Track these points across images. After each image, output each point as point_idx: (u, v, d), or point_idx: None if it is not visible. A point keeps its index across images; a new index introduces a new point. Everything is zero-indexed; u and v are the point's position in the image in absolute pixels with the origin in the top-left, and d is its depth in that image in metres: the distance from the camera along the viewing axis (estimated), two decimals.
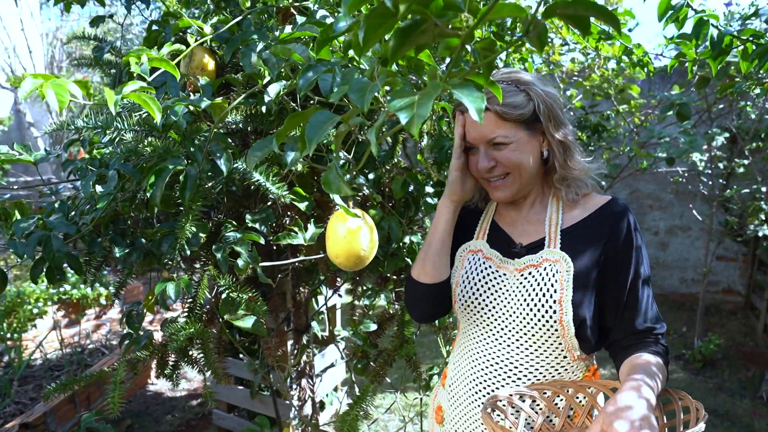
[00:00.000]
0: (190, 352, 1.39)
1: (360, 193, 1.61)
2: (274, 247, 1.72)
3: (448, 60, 1.42)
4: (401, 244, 1.58)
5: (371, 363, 1.62)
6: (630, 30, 3.89)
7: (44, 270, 1.15)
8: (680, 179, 4.78)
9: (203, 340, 1.35)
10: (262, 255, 1.79)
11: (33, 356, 3.48)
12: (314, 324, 2.53)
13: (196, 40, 1.08)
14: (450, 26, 0.55)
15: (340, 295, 2.00)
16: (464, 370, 1.15)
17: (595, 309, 1.06)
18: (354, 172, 1.49)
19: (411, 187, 1.62)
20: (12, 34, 6.70)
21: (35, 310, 3.80)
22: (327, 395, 3.12)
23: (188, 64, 1.31)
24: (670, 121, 4.32)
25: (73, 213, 1.28)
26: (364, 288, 1.59)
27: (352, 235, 0.82)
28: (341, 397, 3.21)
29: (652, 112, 4.21)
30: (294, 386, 2.17)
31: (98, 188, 1.07)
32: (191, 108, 1.01)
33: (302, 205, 1.33)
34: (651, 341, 1.05)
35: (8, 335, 3.59)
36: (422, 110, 0.51)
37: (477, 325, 1.14)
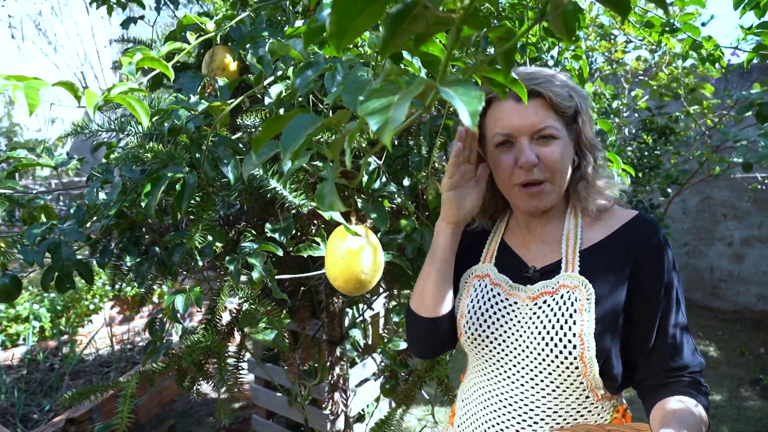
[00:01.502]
0: (207, 366, 1.34)
1: (393, 202, 1.52)
2: (306, 256, 1.65)
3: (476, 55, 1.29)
4: None
5: (400, 383, 1.51)
6: (703, 24, 3.59)
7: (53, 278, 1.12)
8: (759, 186, 4.37)
9: (219, 354, 1.29)
10: (293, 265, 1.73)
11: (87, 351, 3.60)
12: (356, 332, 2.45)
13: (196, 38, 1.01)
14: (442, 8, 0.44)
15: (372, 308, 1.91)
16: (474, 410, 1.01)
17: (622, 342, 0.91)
18: (384, 180, 1.39)
19: None
20: (84, 41, 7.07)
21: (91, 306, 3.94)
22: (367, 406, 3.03)
23: (209, 65, 1.25)
24: (748, 122, 3.96)
25: (95, 219, 1.26)
26: (394, 303, 1.49)
27: (351, 256, 0.72)
28: (383, 408, 3.11)
29: (727, 113, 3.86)
30: (327, 399, 2.09)
31: (101, 195, 1.02)
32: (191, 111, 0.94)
33: (327, 215, 1.25)
34: (686, 381, 0.90)
35: (67, 329, 3.74)
36: (398, 113, 0.40)
37: (486, 361, 0.99)
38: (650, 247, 0.91)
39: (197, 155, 0.95)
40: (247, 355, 2.83)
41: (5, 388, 3.06)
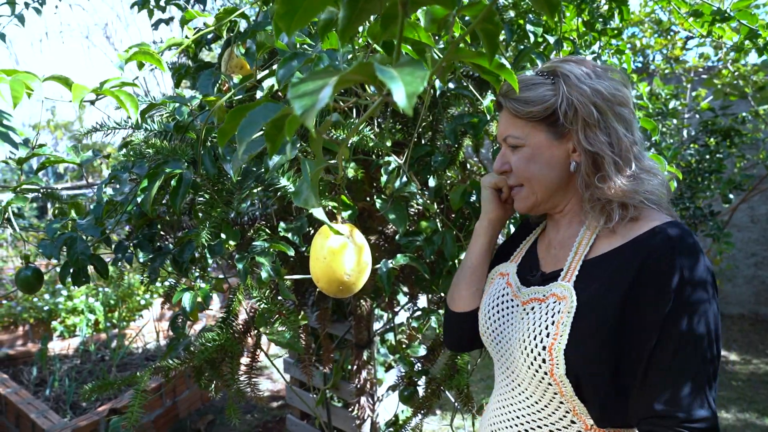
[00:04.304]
0: (222, 365, 1.34)
1: (416, 204, 1.47)
2: None
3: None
4: (457, 261, 1.41)
5: (418, 391, 1.46)
6: None
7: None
8: None
9: (232, 354, 1.29)
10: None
11: (135, 345, 3.74)
12: (391, 336, 2.41)
13: (195, 33, 1.01)
14: None
15: (397, 314, 1.86)
16: (488, 407, 1.00)
17: (607, 367, 0.78)
18: (404, 179, 1.35)
19: (473, 197, 1.44)
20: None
21: (142, 302, 4.10)
22: (402, 411, 2.98)
23: (227, 63, 1.25)
24: None
25: (119, 216, 1.28)
26: (414, 309, 1.44)
27: (333, 256, 0.68)
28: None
29: None
30: (354, 403, 2.06)
31: (109, 191, 1.03)
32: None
33: (344, 215, 1.22)
34: None
35: (120, 323, 3.90)
36: (325, 93, 0.36)
37: (493, 357, 0.99)
38: (656, 262, 0.76)
39: (201, 151, 0.94)
40: (285, 355, 2.84)
41: (59, 377, 3.22)
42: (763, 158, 3.52)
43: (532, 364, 0.82)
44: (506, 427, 0.90)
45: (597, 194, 0.84)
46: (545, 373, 0.80)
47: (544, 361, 0.80)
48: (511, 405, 0.90)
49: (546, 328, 0.81)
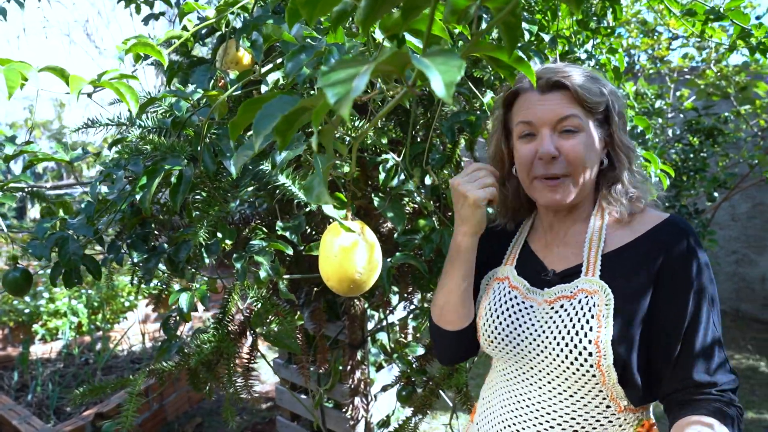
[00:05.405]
0: (218, 366, 1.31)
1: (412, 202, 1.46)
2: None
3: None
4: None
5: (417, 390, 1.45)
6: (758, 18, 3.39)
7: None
8: None
9: (228, 355, 1.26)
10: (309, 265, 1.69)
11: (120, 348, 3.67)
12: (383, 335, 2.39)
13: (195, 26, 0.98)
14: None
15: (392, 312, 1.84)
16: (493, 408, 0.99)
17: (643, 351, 0.85)
18: (402, 177, 1.33)
19: None
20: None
21: (126, 303, 4.02)
22: (393, 411, 2.96)
23: (223, 59, 1.23)
24: None
25: (112, 215, 1.24)
26: (413, 308, 1.42)
27: (345, 253, 0.66)
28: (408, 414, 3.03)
29: None
30: (347, 404, 2.04)
31: (103, 189, 1.00)
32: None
33: (340, 213, 1.20)
34: (714, 399, 0.82)
35: (104, 325, 3.82)
36: (359, 82, 0.35)
37: (505, 361, 0.97)
38: (677, 251, 0.85)
39: (198, 148, 0.91)
40: (274, 356, 2.81)
41: (41, 381, 3.15)
42: (745, 157, 3.58)
43: (576, 358, 0.83)
44: (528, 426, 0.90)
45: (618, 191, 0.91)
46: (591, 365, 0.83)
47: (590, 354, 0.82)
48: (534, 403, 0.91)
49: (587, 322, 0.83)
